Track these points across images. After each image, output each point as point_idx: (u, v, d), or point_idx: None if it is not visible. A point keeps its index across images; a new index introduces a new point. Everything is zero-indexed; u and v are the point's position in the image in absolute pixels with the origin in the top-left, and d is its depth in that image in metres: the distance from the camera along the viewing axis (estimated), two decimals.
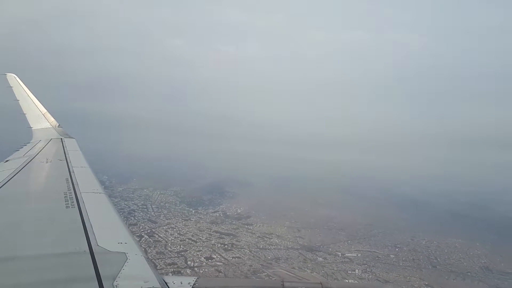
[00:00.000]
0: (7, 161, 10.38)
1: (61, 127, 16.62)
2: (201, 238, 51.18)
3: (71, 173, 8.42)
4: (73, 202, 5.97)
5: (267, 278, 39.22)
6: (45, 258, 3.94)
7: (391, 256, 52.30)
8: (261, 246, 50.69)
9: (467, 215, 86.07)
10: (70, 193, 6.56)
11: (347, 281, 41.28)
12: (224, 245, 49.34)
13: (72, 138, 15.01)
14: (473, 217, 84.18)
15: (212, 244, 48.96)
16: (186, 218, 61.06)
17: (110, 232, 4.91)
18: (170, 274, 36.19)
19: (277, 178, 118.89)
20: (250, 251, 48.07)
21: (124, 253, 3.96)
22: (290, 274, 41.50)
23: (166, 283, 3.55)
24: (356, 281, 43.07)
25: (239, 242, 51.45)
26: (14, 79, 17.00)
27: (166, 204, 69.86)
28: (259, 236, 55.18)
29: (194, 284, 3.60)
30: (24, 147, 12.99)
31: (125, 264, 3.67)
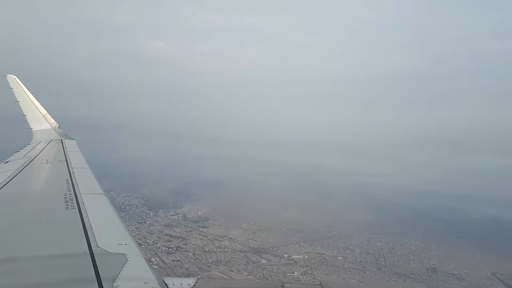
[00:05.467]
0: (7, 162, 10.46)
1: (61, 128, 16.74)
2: (148, 241, 51.13)
3: (71, 174, 8.49)
4: (73, 203, 5.97)
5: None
6: (45, 259, 3.93)
7: (339, 258, 52.43)
8: (207, 249, 50.69)
9: (433, 217, 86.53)
10: (70, 194, 6.57)
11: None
12: (169, 248, 49.32)
13: (72, 139, 15.06)
14: (440, 219, 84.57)
15: (157, 248, 48.97)
16: (141, 221, 60.95)
17: (110, 233, 4.96)
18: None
19: (251, 181, 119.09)
20: (194, 254, 48.08)
21: (124, 254, 3.97)
22: (225, 276, 41.56)
23: (166, 284, 3.56)
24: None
25: (186, 245, 51.46)
26: (14, 81, 17.19)
27: (127, 207, 69.57)
28: (209, 239, 55.20)
29: (194, 285, 3.58)
30: (24, 148, 13.06)
31: (125, 266, 3.69)
